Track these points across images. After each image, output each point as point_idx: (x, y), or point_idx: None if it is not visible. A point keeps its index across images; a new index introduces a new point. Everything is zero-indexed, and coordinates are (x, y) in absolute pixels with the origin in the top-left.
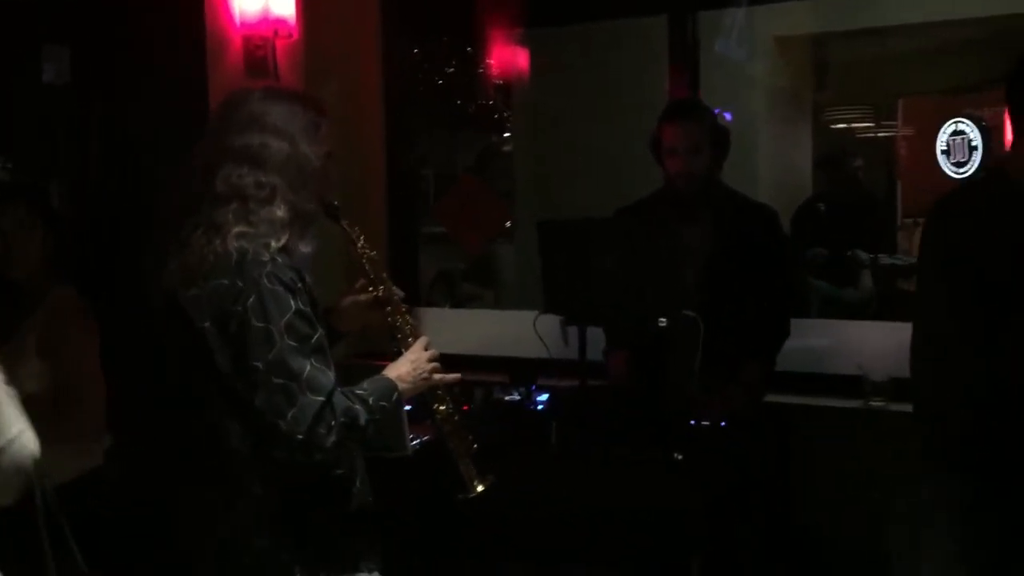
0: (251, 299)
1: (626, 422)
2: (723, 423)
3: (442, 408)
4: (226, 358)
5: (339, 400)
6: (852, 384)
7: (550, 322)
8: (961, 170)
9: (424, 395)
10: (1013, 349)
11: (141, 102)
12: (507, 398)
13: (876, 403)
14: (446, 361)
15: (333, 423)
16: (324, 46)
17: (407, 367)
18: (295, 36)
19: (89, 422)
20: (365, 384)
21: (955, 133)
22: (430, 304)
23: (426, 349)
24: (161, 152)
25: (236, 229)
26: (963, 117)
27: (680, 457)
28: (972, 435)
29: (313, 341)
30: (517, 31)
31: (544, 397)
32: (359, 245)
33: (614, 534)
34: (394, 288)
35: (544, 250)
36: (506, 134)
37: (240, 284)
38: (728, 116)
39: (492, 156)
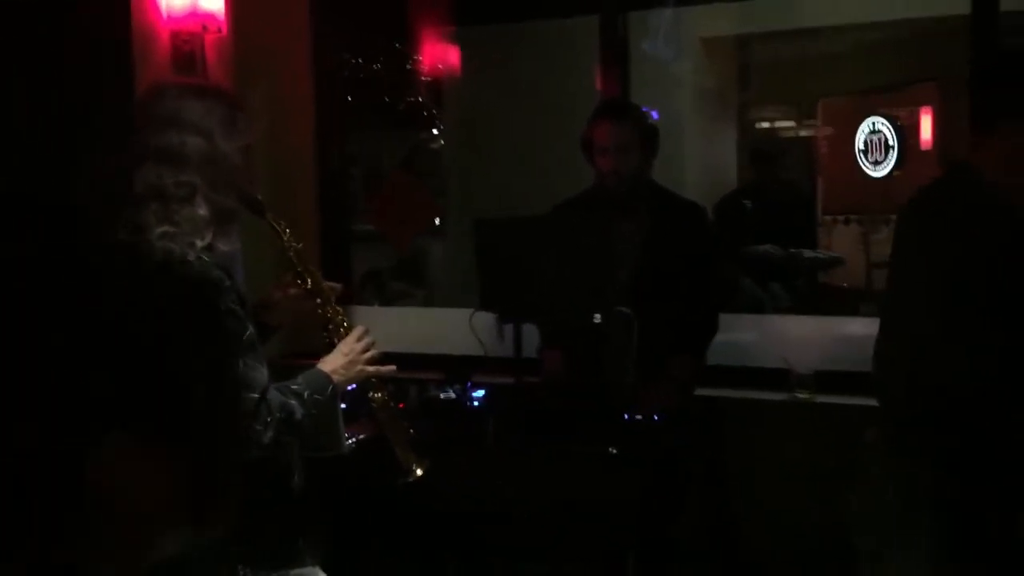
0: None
1: (562, 418)
2: (657, 417)
3: (378, 396)
4: None
5: (274, 396)
6: (779, 377)
7: (485, 319)
8: (878, 168)
9: (360, 384)
10: (986, 346)
11: (64, 96)
12: (442, 395)
13: (802, 395)
14: (387, 359)
15: (269, 419)
16: (253, 42)
17: (341, 359)
18: (224, 31)
19: None
20: (299, 378)
21: (872, 132)
22: (360, 303)
23: (359, 340)
24: (84, 148)
25: (159, 230)
26: (880, 116)
27: (614, 451)
28: (948, 432)
29: (244, 338)
30: (449, 29)
31: (480, 394)
32: (285, 238)
33: (551, 529)
34: (328, 283)
35: (480, 248)
36: (434, 131)
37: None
38: (655, 115)
39: (421, 153)
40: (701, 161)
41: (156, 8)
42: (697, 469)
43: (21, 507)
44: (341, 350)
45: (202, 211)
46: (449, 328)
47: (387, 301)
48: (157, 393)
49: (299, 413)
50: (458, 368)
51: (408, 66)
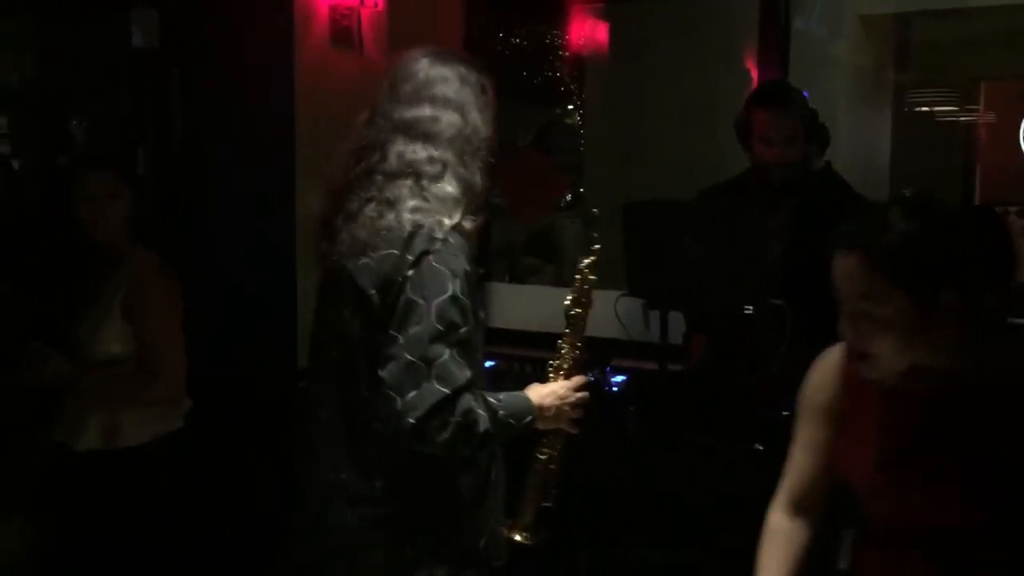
0: (413, 271)
1: (706, 409)
2: None
3: (544, 454)
4: (383, 326)
5: (465, 400)
6: None
7: (628, 304)
8: None
9: (532, 433)
10: None
11: (228, 69)
12: None
13: None
14: (516, 337)
15: (449, 420)
16: (406, 16)
17: (553, 400)
18: (380, 6)
19: (169, 386)
20: (502, 395)
21: None
22: (491, 279)
23: (577, 390)
24: (246, 120)
25: (411, 203)
26: None
27: (761, 448)
28: None
29: (460, 332)
30: (597, 5)
31: (620, 379)
32: (590, 260)
33: (688, 520)
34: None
35: (628, 232)
36: (570, 107)
37: (409, 257)
38: (805, 95)
39: (556, 129)
40: (853, 145)
41: None
42: None
43: None
44: (557, 391)
45: (451, 188)
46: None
47: (516, 277)
48: None
49: (482, 426)
50: (597, 351)
51: (551, 41)
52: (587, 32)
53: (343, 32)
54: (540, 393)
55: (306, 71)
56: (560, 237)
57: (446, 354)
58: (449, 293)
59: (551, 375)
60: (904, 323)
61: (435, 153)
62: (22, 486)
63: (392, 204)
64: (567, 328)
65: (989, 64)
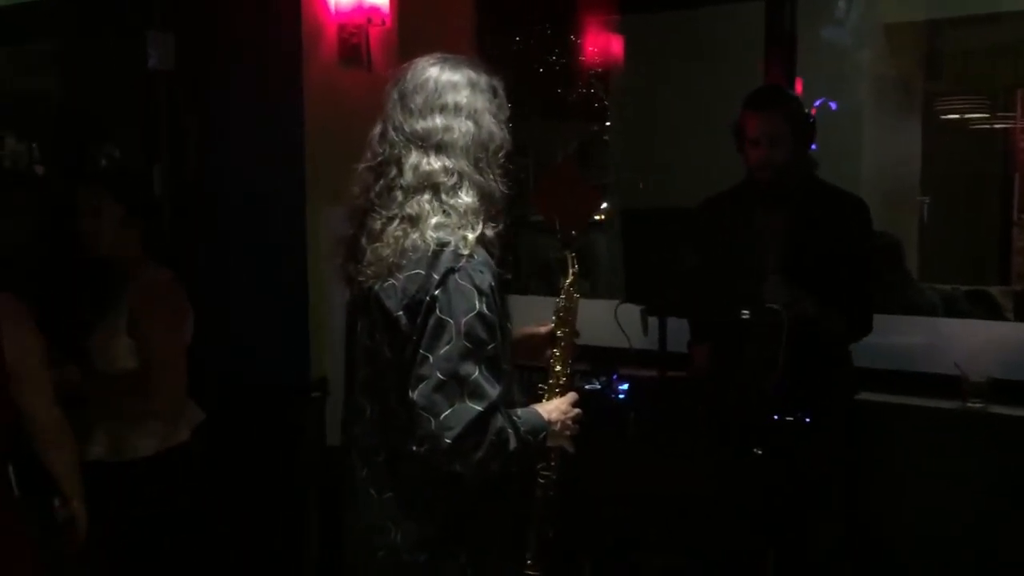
0: (439, 290)
1: (707, 415)
2: (807, 419)
3: (546, 473)
4: (412, 347)
5: (497, 418)
6: (950, 384)
7: (630, 311)
8: None
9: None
10: None
11: (239, 90)
12: (587, 387)
13: (974, 405)
14: None
15: (483, 439)
16: (417, 34)
17: (557, 415)
18: (388, 24)
19: (171, 400)
20: (519, 411)
21: None
22: (524, 292)
23: (574, 406)
24: (258, 138)
25: (433, 220)
26: None
27: (760, 452)
28: None
29: (488, 348)
30: (612, 18)
31: (625, 387)
32: (570, 280)
33: (690, 524)
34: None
35: (626, 238)
36: (607, 123)
37: (435, 276)
38: (833, 105)
39: (593, 146)
40: (881, 154)
41: (324, 2)
42: (843, 473)
43: None
44: (560, 407)
45: (468, 198)
46: (598, 319)
47: (553, 292)
48: None
49: (513, 444)
50: (604, 360)
51: (573, 57)
52: (603, 46)
53: (352, 50)
54: (546, 409)
55: (315, 89)
56: (593, 251)
57: (476, 372)
58: (476, 311)
59: (544, 395)
60: None
61: (449, 164)
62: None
63: (415, 221)
64: (555, 348)
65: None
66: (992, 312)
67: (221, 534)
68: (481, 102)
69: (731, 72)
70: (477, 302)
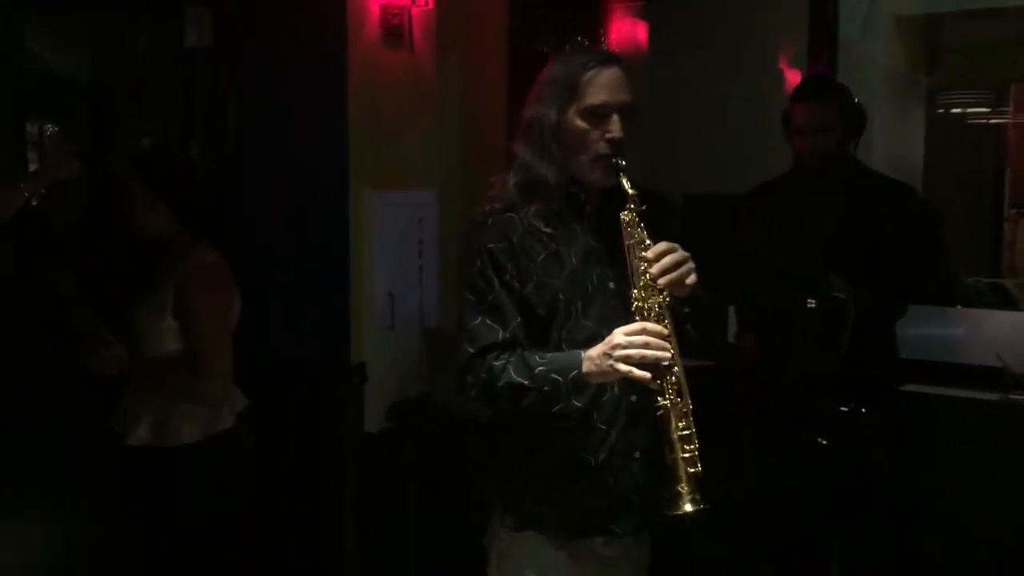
0: (462, 253)
1: (768, 404)
2: (864, 409)
3: (664, 402)
4: None
5: (490, 358)
6: (992, 376)
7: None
8: None
9: (649, 388)
10: None
11: (280, 68)
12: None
13: (1017, 396)
14: None
15: (474, 377)
16: (454, 15)
17: (601, 347)
18: (430, 4)
19: (213, 386)
20: (549, 354)
21: None
22: None
23: (628, 334)
24: (298, 118)
25: (489, 194)
26: None
27: (824, 442)
28: None
29: (489, 298)
30: (638, 4)
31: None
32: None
33: (754, 515)
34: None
35: (684, 225)
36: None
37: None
38: None
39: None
40: (887, 146)
41: None
42: (892, 463)
43: None
44: (612, 340)
45: (513, 179)
46: None
47: None
48: None
49: (504, 380)
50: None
51: (600, 41)
52: (629, 32)
53: (394, 31)
54: (598, 346)
55: (358, 69)
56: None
57: (478, 319)
58: (475, 268)
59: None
60: None
61: (517, 147)
62: (76, 472)
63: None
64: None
65: (1020, 65)
66: (1008, 304)
67: (259, 522)
68: (548, 91)
69: (760, 60)
70: (477, 260)
